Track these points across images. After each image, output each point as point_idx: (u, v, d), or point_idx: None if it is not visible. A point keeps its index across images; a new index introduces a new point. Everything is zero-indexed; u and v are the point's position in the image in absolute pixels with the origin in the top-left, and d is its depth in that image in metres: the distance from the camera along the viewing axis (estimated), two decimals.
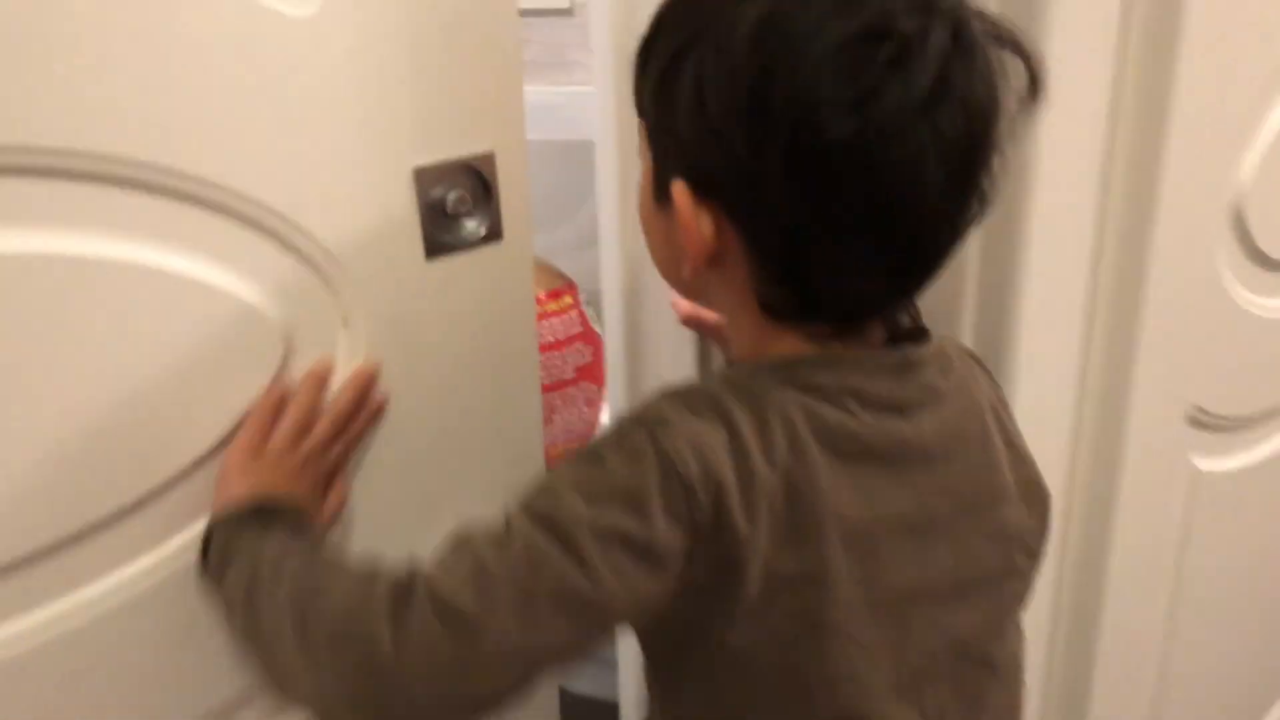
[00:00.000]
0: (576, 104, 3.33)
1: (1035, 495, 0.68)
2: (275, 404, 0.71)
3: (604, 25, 0.91)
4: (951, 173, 0.53)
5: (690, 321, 0.88)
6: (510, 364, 0.84)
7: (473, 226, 0.79)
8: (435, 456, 0.82)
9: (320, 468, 0.71)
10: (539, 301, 1.31)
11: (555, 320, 1.32)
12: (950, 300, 0.88)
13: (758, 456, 0.54)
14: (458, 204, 0.77)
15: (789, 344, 0.59)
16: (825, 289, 0.57)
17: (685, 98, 0.54)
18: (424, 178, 0.75)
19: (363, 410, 0.75)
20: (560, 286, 1.34)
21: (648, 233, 0.65)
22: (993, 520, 0.64)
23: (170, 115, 0.64)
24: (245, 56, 0.66)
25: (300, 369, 0.73)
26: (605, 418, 1.40)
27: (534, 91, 2.97)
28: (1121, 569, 1.04)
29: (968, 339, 0.89)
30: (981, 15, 0.54)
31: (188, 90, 0.64)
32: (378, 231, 0.74)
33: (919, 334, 0.64)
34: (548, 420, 1.32)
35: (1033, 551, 0.68)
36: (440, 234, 0.77)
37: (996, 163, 0.55)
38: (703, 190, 0.56)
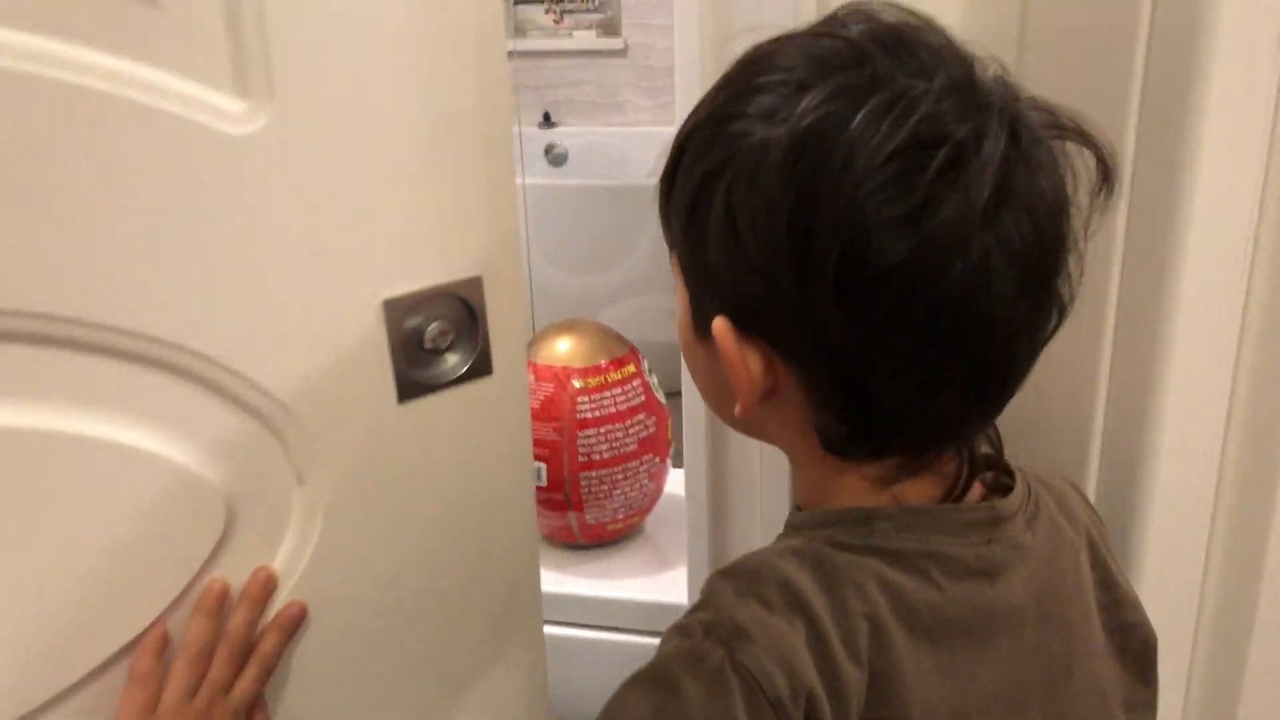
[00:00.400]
0: (628, 144, 3.26)
1: (1134, 640, 0.61)
2: (159, 647, 0.60)
3: (690, 59, 0.83)
4: (1023, 283, 0.47)
5: None
6: (503, 520, 0.72)
7: (455, 361, 0.68)
8: (414, 642, 0.71)
9: (229, 709, 0.61)
10: (600, 370, 1.23)
11: (618, 390, 1.26)
12: (1081, 406, 0.77)
13: (840, 651, 0.48)
14: (437, 337, 0.66)
15: (856, 482, 0.53)
16: (892, 422, 0.50)
17: (717, 231, 0.48)
18: (396, 309, 0.64)
19: (273, 627, 0.64)
20: (623, 354, 1.26)
21: (691, 366, 0.58)
22: (1086, 678, 0.57)
23: (85, 256, 0.54)
24: (177, 182, 0.56)
25: (247, 539, 0.62)
26: (670, 487, 1.34)
27: (586, 132, 2.90)
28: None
29: (1095, 448, 0.78)
30: (1041, 107, 0.49)
31: (106, 226, 0.54)
32: (338, 374, 0.63)
33: (996, 466, 0.56)
34: (608, 495, 1.25)
35: (1135, 704, 0.61)
36: (416, 372, 0.66)
37: (1073, 264, 0.50)
38: (747, 325, 0.50)
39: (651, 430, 1.27)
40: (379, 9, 0.60)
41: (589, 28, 3.31)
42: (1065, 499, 0.60)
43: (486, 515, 0.71)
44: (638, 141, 3.23)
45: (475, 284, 0.67)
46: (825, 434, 0.51)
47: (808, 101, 0.45)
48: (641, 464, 1.26)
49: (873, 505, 0.52)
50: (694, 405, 0.93)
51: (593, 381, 1.23)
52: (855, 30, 0.47)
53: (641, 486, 1.28)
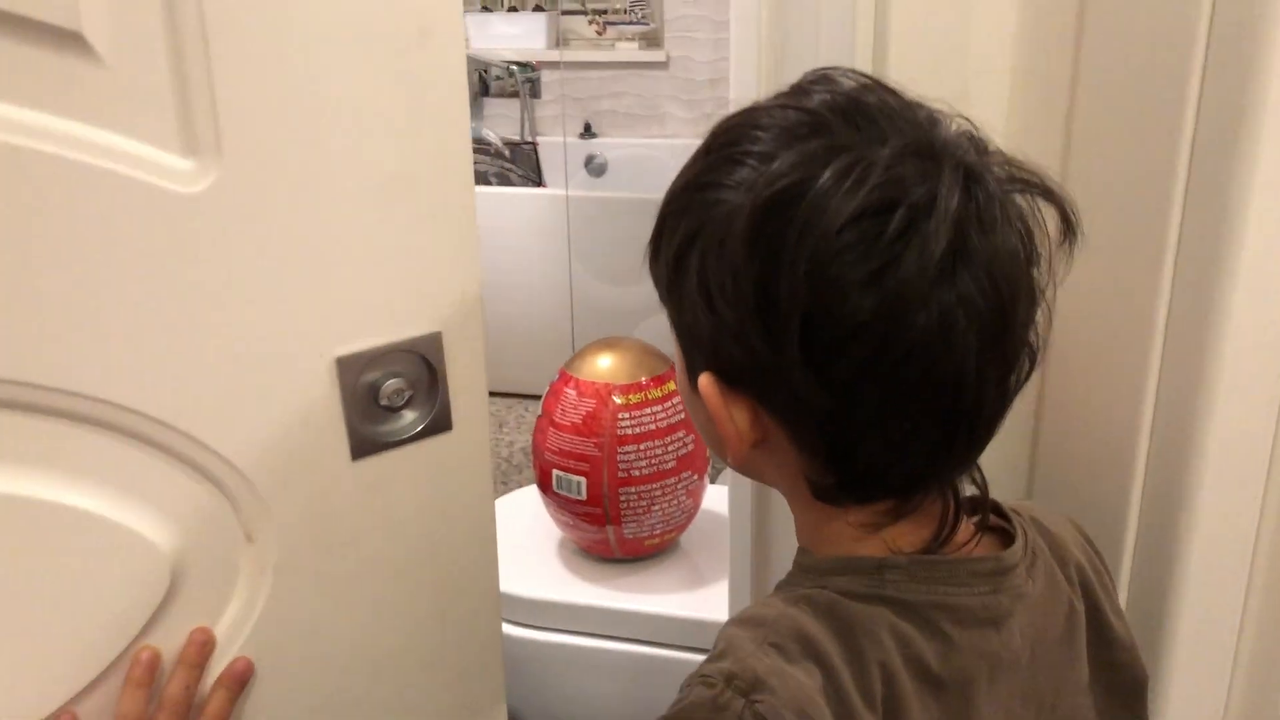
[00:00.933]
0: (667, 156, 3.24)
1: (1122, 679, 0.63)
2: None
3: (746, 81, 0.84)
4: (986, 335, 0.48)
5: None
6: (464, 579, 0.71)
7: (413, 418, 0.67)
8: (370, 703, 0.70)
9: None
10: (640, 387, 1.23)
11: (658, 407, 1.28)
12: (1125, 439, 0.77)
13: (857, 700, 0.50)
14: (393, 394, 0.65)
15: (845, 527, 0.55)
16: (871, 472, 0.52)
17: (693, 297, 0.51)
18: (350, 367, 0.64)
19: (218, 686, 0.64)
20: (663, 371, 1.27)
21: (692, 415, 0.60)
22: (1068, 712, 0.60)
23: (27, 316, 0.54)
24: (124, 242, 0.56)
25: (193, 597, 0.62)
26: (707, 504, 1.36)
27: (626, 143, 2.93)
28: None
29: (1138, 481, 0.78)
30: (1004, 161, 0.50)
31: (51, 286, 0.54)
32: (288, 432, 0.62)
33: (984, 506, 0.58)
34: (646, 510, 1.27)
35: None
36: (371, 429, 0.65)
37: (1039, 313, 0.52)
38: (731, 382, 0.52)
39: (690, 447, 1.28)
40: (332, 70, 0.59)
41: (631, 39, 3.30)
42: (1059, 542, 0.61)
43: (446, 574, 0.70)
44: (677, 153, 3.18)
45: (434, 340, 0.66)
46: (813, 482, 0.53)
47: (769, 172, 0.46)
48: (680, 481, 1.27)
49: (881, 554, 0.54)
50: None
51: (633, 398, 1.24)
52: (816, 100, 0.49)
53: (679, 503, 1.29)
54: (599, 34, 3.38)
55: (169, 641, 0.62)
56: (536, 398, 1.32)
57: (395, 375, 0.65)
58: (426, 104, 0.63)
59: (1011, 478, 0.92)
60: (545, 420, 1.28)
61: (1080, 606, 0.60)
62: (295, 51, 0.58)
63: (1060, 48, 0.81)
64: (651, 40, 3.29)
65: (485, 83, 3.38)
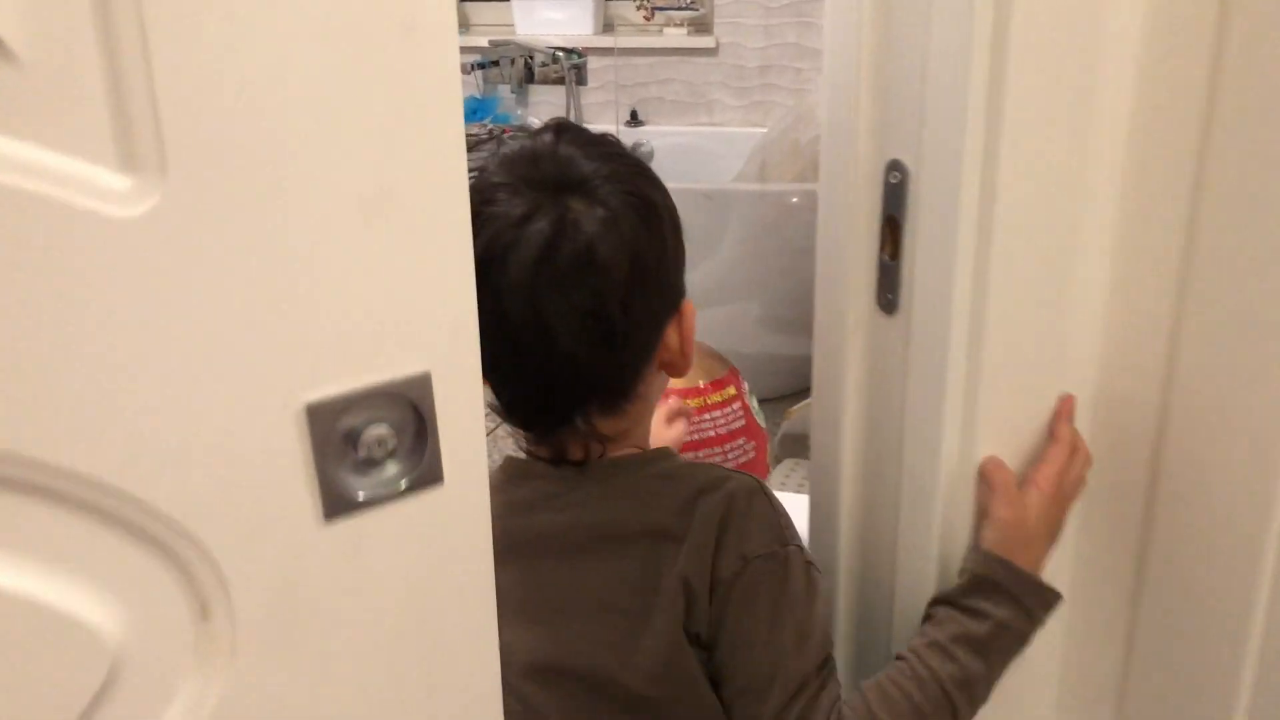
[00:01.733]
0: (715, 145, 3.13)
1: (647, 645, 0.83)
2: None
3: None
4: (525, 312, 0.78)
5: None
6: (458, 651, 0.62)
7: (397, 471, 0.58)
8: None
9: None
10: (699, 392, 1.18)
11: (717, 413, 1.24)
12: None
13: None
14: (375, 444, 0.57)
15: None
16: (505, 405, 0.86)
17: None
18: (322, 414, 0.55)
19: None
20: (723, 375, 1.20)
21: None
22: (580, 622, 0.85)
23: None
24: (48, 273, 0.47)
25: (137, 682, 0.53)
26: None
27: (673, 131, 2.85)
28: None
29: None
30: (613, 191, 0.80)
31: None
32: (250, 491, 0.54)
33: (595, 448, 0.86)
34: None
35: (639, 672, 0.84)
36: (347, 484, 0.57)
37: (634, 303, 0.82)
38: None
39: (751, 455, 1.23)
40: (298, 70, 0.50)
41: (680, 25, 3.19)
42: (690, 503, 0.84)
43: (437, 648, 0.61)
44: (725, 142, 3.10)
45: (422, 381, 0.57)
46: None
47: None
48: None
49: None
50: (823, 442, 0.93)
51: (692, 404, 1.17)
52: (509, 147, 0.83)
53: None
54: (647, 20, 3.27)
55: None
56: None
57: (377, 422, 0.57)
58: (411, 108, 0.54)
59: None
60: None
61: (645, 550, 0.83)
62: (253, 48, 0.49)
63: (1198, 35, 0.68)
64: (700, 26, 3.18)
65: (530, 69, 3.29)
